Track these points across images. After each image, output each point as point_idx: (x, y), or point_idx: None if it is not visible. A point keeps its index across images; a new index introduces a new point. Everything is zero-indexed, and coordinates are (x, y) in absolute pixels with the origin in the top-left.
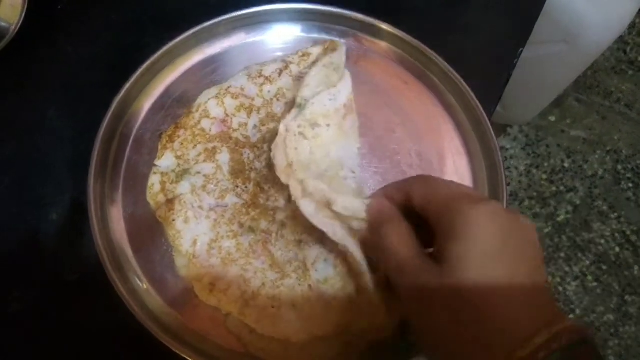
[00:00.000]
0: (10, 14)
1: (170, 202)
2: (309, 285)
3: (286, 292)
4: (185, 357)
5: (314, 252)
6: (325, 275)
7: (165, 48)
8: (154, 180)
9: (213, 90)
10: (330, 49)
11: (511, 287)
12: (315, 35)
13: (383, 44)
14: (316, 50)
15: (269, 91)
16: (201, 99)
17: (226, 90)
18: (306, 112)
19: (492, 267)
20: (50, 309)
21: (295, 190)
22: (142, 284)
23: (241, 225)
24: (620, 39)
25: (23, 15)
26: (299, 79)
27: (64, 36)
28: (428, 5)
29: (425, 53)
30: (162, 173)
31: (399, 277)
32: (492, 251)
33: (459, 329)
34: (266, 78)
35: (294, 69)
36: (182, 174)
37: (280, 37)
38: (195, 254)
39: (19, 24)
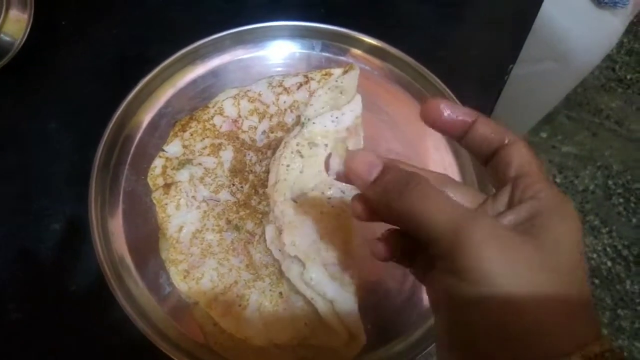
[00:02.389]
0: (15, 29)
1: (167, 186)
2: (280, 293)
3: (256, 294)
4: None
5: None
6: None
7: (163, 64)
8: (157, 164)
9: (232, 91)
10: (345, 71)
11: (560, 298)
12: (314, 52)
13: (377, 60)
14: (338, 72)
15: (284, 101)
16: (220, 97)
17: (245, 93)
18: (305, 130)
19: (580, 258)
20: (51, 317)
21: (272, 210)
22: (139, 289)
23: (228, 222)
24: (609, 58)
25: (28, 30)
26: (313, 96)
27: (67, 51)
28: (421, 22)
29: (422, 73)
30: (166, 158)
31: (455, 243)
32: (579, 242)
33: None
34: (285, 89)
35: (313, 85)
36: (185, 162)
37: (279, 53)
38: (179, 240)
39: (24, 39)
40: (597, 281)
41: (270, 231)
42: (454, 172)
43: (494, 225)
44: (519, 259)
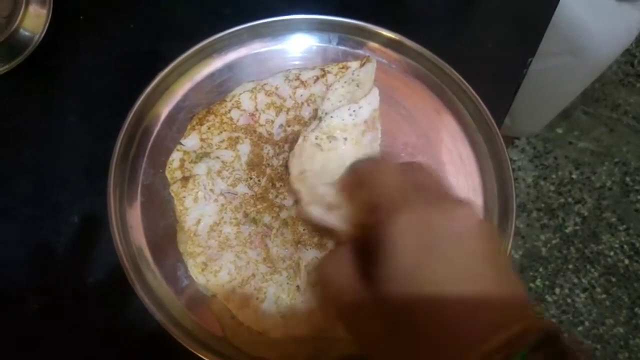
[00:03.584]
0: (35, 24)
1: (185, 179)
2: (297, 286)
3: (273, 287)
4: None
5: (310, 255)
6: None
7: (180, 57)
8: (175, 157)
9: (249, 85)
10: (362, 64)
11: (445, 295)
12: (331, 46)
13: (393, 53)
14: (355, 65)
15: (301, 95)
16: (237, 91)
17: (262, 86)
18: (323, 124)
19: (416, 279)
20: (69, 309)
21: (305, 196)
22: (157, 281)
23: (245, 215)
24: (628, 52)
25: (47, 25)
26: (330, 89)
27: (84, 46)
28: (438, 16)
29: (440, 66)
30: (184, 151)
31: (338, 301)
32: (410, 265)
33: (397, 339)
34: (302, 82)
35: (330, 78)
36: (202, 156)
37: (295, 47)
38: (197, 233)
39: (43, 34)
40: (614, 279)
41: (315, 209)
42: (471, 164)
43: (350, 296)
44: (365, 324)
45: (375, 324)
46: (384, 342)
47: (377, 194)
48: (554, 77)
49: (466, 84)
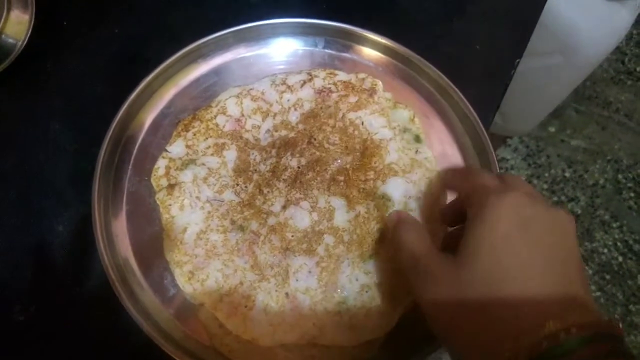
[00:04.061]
0: (17, 31)
1: (171, 187)
2: (286, 293)
3: (262, 295)
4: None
5: (298, 261)
6: (306, 285)
7: (166, 62)
8: (160, 164)
9: (235, 90)
10: (370, 91)
11: (527, 274)
12: (317, 49)
13: (380, 56)
14: (344, 75)
15: (288, 99)
16: (222, 96)
17: (247, 91)
18: None
19: (506, 252)
20: (55, 319)
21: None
22: (144, 291)
23: (232, 222)
24: (618, 50)
25: (29, 31)
26: (321, 92)
27: (69, 51)
28: (425, 17)
29: (427, 69)
30: (170, 158)
31: (413, 269)
32: (506, 237)
33: (469, 314)
34: (288, 87)
35: (317, 82)
36: (188, 162)
37: (281, 51)
38: (183, 241)
39: (26, 40)
40: (608, 276)
41: None
42: (459, 165)
43: (431, 259)
44: (442, 280)
45: (451, 300)
46: (459, 319)
47: (482, 184)
48: (545, 76)
49: (454, 87)
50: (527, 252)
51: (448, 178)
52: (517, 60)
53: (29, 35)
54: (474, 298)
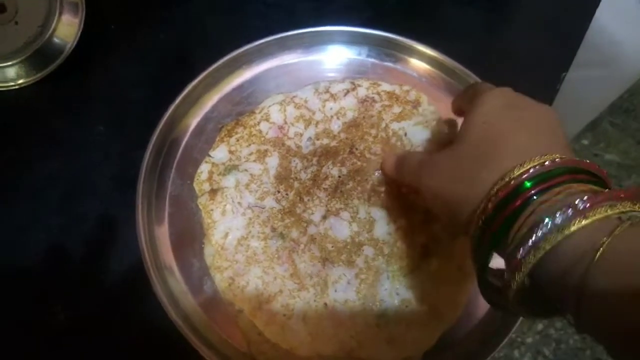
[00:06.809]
0: (67, 33)
1: (213, 192)
2: (325, 303)
3: (300, 304)
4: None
5: (337, 271)
6: (345, 297)
7: (210, 68)
8: (203, 169)
9: (279, 97)
10: (414, 102)
11: (512, 143)
12: (360, 58)
13: (425, 67)
14: (387, 86)
15: (331, 108)
16: (266, 103)
17: (291, 99)
18: None
19: (492, 125)
20: (95, 322)
21: None
22: (183, 295)
23: (273, 229)
24: None
25: (79, 34)
26: (364, 102)
27: (115, 55)
28: (470, 30)
29: (468, 78)
30: (212, 163)
31: (422, 167)
32: (492, 113)
33: (462, 183)
34: (331, 95)
35: (361, 92)
36: (231, 168)
37: (325, 59)
38: (224, 246)
39: (75, 43)
40: None
41: None
42: None
43: (430, 158)
44: (442, 162)
45: (445, 167)
46: (448, 185)
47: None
48: (584, 88)
49: None
50: (512, 125)
51: (453, 106)
52: (564, 73)
53: (78, 37)
54: (466, 167)
